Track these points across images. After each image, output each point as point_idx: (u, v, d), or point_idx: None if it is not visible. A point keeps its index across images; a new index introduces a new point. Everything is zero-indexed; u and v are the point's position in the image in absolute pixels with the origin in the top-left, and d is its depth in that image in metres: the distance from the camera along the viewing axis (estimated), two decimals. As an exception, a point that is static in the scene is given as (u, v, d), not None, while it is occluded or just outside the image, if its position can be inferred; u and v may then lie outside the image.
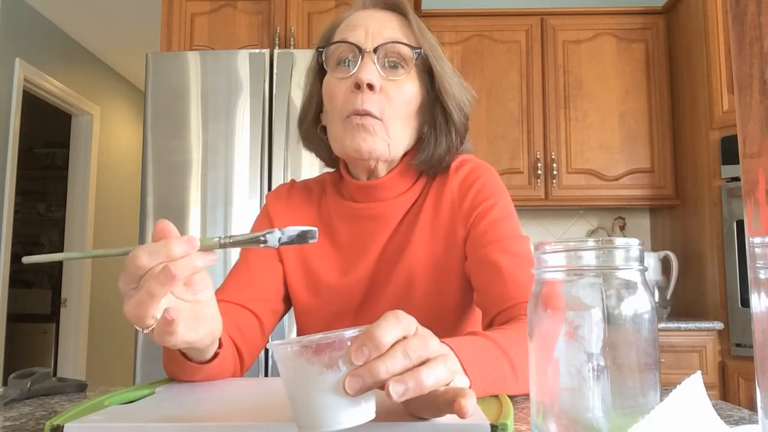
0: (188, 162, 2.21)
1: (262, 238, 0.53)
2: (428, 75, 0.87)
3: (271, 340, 0.43)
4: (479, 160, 0.93)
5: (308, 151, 0.96)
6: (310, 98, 0.91)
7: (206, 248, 0.53)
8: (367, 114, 0.81)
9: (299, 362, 0.42)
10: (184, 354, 0.68)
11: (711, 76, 2.41)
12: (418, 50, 0.83)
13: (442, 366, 0.44)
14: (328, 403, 0.42)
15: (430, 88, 0.87)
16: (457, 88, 0.87)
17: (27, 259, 0.55)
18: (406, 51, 0.83)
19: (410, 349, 0.43)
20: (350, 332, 0.43)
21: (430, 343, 0.46)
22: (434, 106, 0.87)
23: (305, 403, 0.43)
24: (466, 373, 0.56)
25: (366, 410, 0.43)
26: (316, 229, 0.54)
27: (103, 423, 0.49)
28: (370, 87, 0.80)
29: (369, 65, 0.81)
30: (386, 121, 0.82)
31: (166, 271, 0.51)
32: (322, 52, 0.86)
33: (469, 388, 0.55)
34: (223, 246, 0.53)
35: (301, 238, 0.53)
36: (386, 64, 0.83)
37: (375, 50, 0.81)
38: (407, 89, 0.84)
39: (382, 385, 0.42)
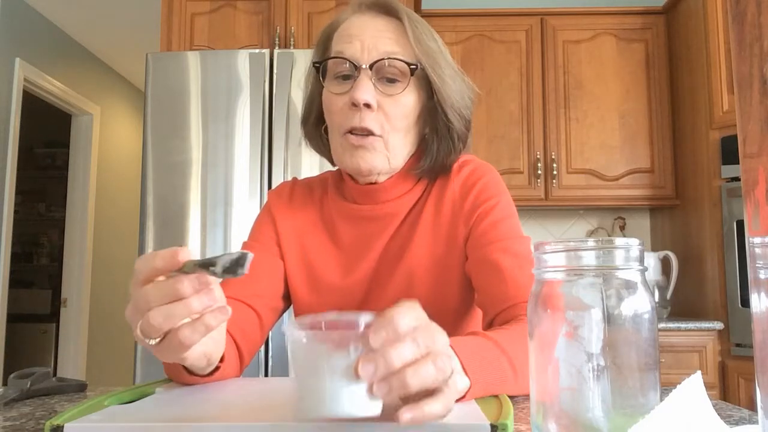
0: (188, 162, 2.21)
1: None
2: (427, 81, 0.85)
3: (289, 320, 0.42)
4: (481, 161, 0.93)
5: (310, 151, 0.96)
6: (310, 103, 0.91)
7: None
8: (367, 132, 0.81)
9: (310, 342, 0.42)
10: (184, 366, 0.68)
11: (711, 76, 2.41)
12: (414, 66, 0.81)
13: (442, 402, 0.45)
14: (336, 388, 0.42)
15: (430, 94, 0.86)
16: (457, 95, 0.85)
17: None
18: (402, 66, 0.81)
19: (420, 338, 0.44)
20: (364, 317, 0.43)
21: (437, 337, 0.46)
22: (435, 113, 0.86)
23: (312, 387, 0.43)
24: (466, 373, 0.56)
25: (372, 405, 0.43)
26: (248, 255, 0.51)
27: (103, 423, 0.49)
28: (367, 106, 0.80)
29: (365, 83, 0.80)
30: (386, 137, 0.82)
31: (202, 325, 0.51)
32: (318, 64, 0.86)
33: (469, 387, 0.56)
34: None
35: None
36: (383, 79, 0.82)
37: (371, 66, 0.80)
38: (405, 103, 0.82)
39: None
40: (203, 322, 0.51)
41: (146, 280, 0.51)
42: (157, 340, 0.52)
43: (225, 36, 2.54)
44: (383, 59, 0.81)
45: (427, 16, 2.79)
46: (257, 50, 2.26)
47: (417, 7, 2.78)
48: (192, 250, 0.52)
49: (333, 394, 0.42)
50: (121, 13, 3.76)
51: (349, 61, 0.81)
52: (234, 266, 0.48)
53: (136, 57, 4.28)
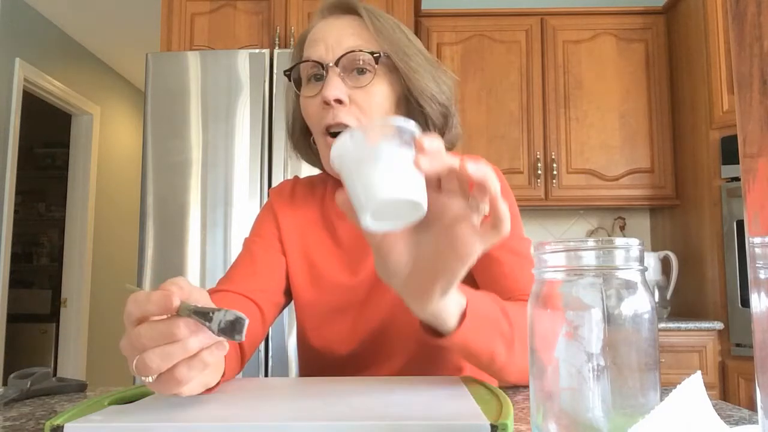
0: (188, 162, 2.21)
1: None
2: (399, 72, 0.86)
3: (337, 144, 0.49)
4: (486, 161, 0.93)
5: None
6: (293, 113, 0.93)
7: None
8: (344, 129, 0.81)
9: (358, 139, 0.47)
10: None
11: (711, 76, 2.41)
12: (377, 54, 0.83)
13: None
14: (385, 172, 0.45)
15: (403, 83, 0.86)
16: (431, 81, 0.86)
17: None
18: (366, 56, 0.83)
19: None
20: (411, 123, 0.49)
21: None
22: (409, 101, 0.87)
23: (364, 175, 0.46)
24: (465, 318, 0.59)
25: (420, 191, 0.47)
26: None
27: (103, 423, 0.49)
28: (338, 101, 0.81)
29: (333, 80, 0.81)
30: None
31: (199, 362, 0.50)
32: (288, 72, 0.87)
33: (465, 306, 0.59)
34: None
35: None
36: (353, 72, 0.83)
37: (336, 63, 0.82)
38: (377, 93, 0.83)
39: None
40: (200, 360, 0.50)
41: (139, 322, 0.50)
42: (154, 377, 0.51)
43: (225, 36, 2.54)
44: (346, 53, 0.82)
45: (427, 16, 2.80)
46: (257, 50, 2.26)
47: (417, 8, 2.78)
48: (183, 282, 0.51)
49: (381, 178, 0.45)
50: (121, 13, 3.76)
51: (317, 63, 0.83)
52: (230, 329, 0.48)
53: (136, 57, 4.29)
